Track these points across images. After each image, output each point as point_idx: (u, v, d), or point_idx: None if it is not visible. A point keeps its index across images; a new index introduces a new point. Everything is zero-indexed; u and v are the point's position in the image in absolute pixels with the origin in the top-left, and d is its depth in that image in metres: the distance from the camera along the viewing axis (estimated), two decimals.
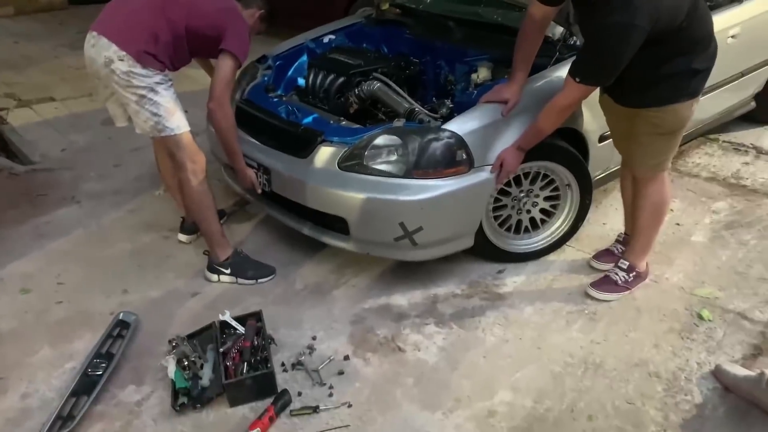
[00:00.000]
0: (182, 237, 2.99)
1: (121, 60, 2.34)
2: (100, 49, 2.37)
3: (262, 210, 3.07)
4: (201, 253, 2.84)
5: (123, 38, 2.36)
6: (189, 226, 2.96)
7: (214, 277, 2.70)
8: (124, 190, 3.49)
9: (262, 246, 2.95)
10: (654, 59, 2.12)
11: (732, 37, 3.16)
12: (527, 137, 2.37)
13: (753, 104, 3.92)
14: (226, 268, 2.68)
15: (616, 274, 2.55)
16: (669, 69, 2.16)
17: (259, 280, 2.69)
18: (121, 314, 2.46)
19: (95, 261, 2.87)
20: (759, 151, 3.82)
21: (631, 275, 2.55)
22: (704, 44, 2.20)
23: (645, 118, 2.29)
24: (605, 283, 2.56)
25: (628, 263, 2.55)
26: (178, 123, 2.48)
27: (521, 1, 2.84)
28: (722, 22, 3.01)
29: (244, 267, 2.70)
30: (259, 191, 2.75)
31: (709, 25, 2.21)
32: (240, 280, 2.68)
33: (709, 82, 2.34)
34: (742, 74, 3.50)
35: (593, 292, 2.55)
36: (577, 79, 2.12)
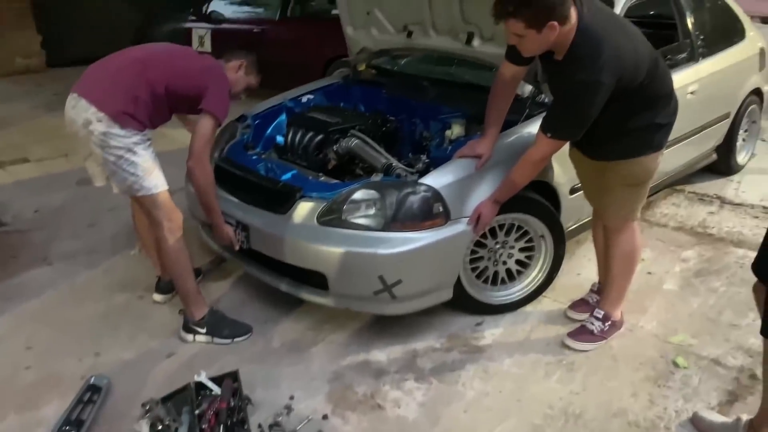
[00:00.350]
0: (157, 297, 2.95)
1: (99, 121, 2.37)
2: (80, 110, 2.40)
3: (238, 268, 3.06)
4: (176, 312, 2.79)
5: (102, 100, 2.39)
6: (164, 286, 2.92)
7: (190, 336, 2.65)
8: (98, 250, 3.45)
9: (238, 304, 2.92)
10: (619, 115, 2.22)
11: (691, 93, 3.33)
12: (502, 190, 2.43)
13: (714, 156, 4.09)
14: (202, 327, 2.64)
15: (592, 323, 2.58)
16: (634, 124, 2.26)
17: (236, 339, 2.65)
18: (93, 378, 2.39)
19: (66, 323, 2.80)
20: (723, 201, 3.96)
21: (606, 324, 2.57)
22: (666, 100, 2.31)
23: (613, 171, 2.37)
24: (582, 333, 2.58)
25: (603, 312, 2.59)
26: (155, 182, 2.48)
27: (491, 62, 2.96)
28: (681, 79, 3.18)
29: (220, 326, 2.66)
30: (237, 248, 2.74)
31: (670, 82, 2.33)
32: (216, 340, 2.64)
33: (673, 136, 2.45)
34: (703, 128, 3.66)
35: (570, 342, 2.57)
36: (549, 135, 2.20)
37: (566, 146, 2.53)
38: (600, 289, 2.76)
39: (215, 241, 2.90)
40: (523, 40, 2.08)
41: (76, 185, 4.21)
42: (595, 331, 2.56)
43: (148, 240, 2.84)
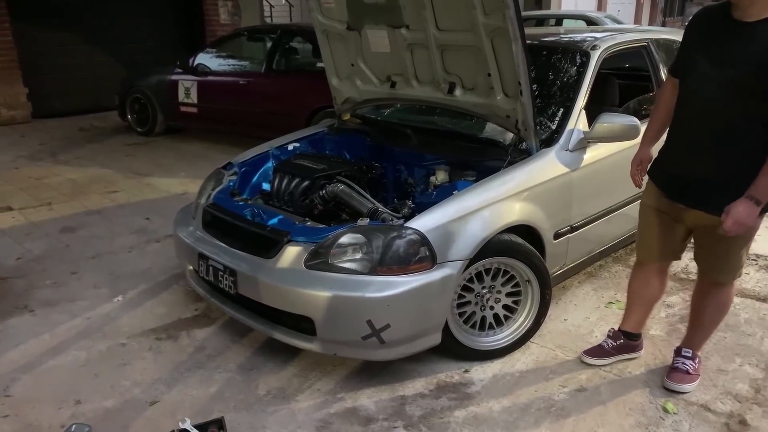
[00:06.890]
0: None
1: None
2: None
3: (224, 314, 3.02)
4: (158, 359, 2.74)
5: None
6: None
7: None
8: (80, 297, 3.39)
9: (224, 350, 2.88)
10: None
11: None
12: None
13: None
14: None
15: (684, 364, 2.62)
16: None
17: None
18: (73, 426, 2.30)
19: (46, 371, 2.73)
20: None
21: (696, 361, 2.63)
22: None
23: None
24: (680, 375, 2.60)
25: (692, 351, 2.63)
26: None
27: (472, 111, 3.05)
28: None
29: None
30: None
31: None
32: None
33: None
34: None
35: (675, 386, 2.58)
36: None
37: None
38: (616, 334, 2.77)
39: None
40: None
41: (59, 233, 4.18)
42: (691, 370, 2.60)
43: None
